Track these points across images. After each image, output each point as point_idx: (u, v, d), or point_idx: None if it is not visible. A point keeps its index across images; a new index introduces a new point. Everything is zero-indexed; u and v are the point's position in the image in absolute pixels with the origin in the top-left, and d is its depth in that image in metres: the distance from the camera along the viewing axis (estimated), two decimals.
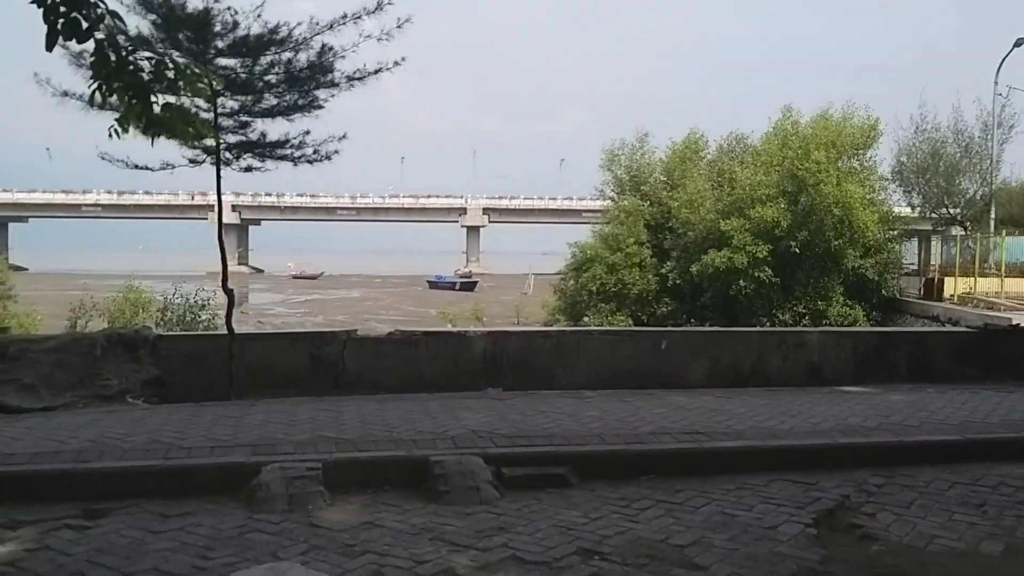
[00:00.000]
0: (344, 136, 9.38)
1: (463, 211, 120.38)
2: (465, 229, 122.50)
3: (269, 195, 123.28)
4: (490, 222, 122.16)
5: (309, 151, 9.41)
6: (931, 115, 32.57)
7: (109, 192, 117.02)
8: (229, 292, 9.35)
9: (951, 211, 30.89)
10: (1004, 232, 24.04)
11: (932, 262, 33.00)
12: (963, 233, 33.86)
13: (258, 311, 50.99)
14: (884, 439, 6.52)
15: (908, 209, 33.56)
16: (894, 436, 6.60)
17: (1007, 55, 28.81)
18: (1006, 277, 25.67)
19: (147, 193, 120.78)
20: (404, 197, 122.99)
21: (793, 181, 27.84)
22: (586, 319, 30.40)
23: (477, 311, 40.39)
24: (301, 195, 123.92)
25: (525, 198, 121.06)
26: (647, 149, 35.41)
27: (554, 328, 9.22)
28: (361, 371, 8.77)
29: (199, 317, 18.87)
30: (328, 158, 9.46)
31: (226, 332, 8.95)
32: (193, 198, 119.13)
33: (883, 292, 30.34)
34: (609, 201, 35.76)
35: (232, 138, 9.25)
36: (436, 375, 8.88)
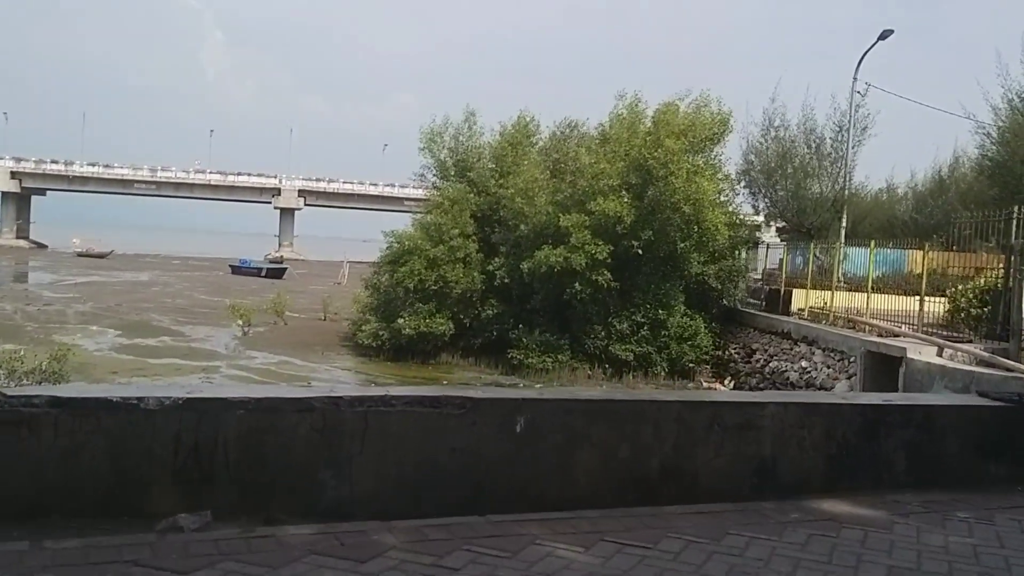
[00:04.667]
0: None
1: (277, 192, 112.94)
2: (279, 211, 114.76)
3: (56, 162, 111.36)
4: (306, 205, 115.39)
5: None
6: (781, 113, 30.47)
7: None
8: None
9: (798, 217, 28.86)
10: (873, 242, 21.73)
11: (758, 269, 31.02)
12: (780, 240, 32.11)
13: (13, 294, 43.23)
14: None
15: (753, 213, 31.38)
16: None
17: (870, 48, 26.80)
18: (855, 291, 23.43)
19: None
20: (211, 173, 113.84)
21: (640, 172, 24.75)
22: (400, 321, 26.22)
23: (278, 303, 35.14)
24: (93, 164, 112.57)
25: (344, 182, 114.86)
26: (474, 131, 31.52)
27: (320, 395, 4.75)
28: None
29: None
30: None
31: None
32: None
33: (724, 302, 28.04)
34: (432, 188, 31.67)
35: None
36: (74, 487, 4.43)
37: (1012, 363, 13.28)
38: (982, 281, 17.31)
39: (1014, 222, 15.19)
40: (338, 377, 24.09)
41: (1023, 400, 5.90)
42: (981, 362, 13.90)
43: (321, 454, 4.76)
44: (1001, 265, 16.09)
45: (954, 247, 20.93)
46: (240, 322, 31.57)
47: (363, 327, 27.93)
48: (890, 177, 40.33)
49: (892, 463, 5.76)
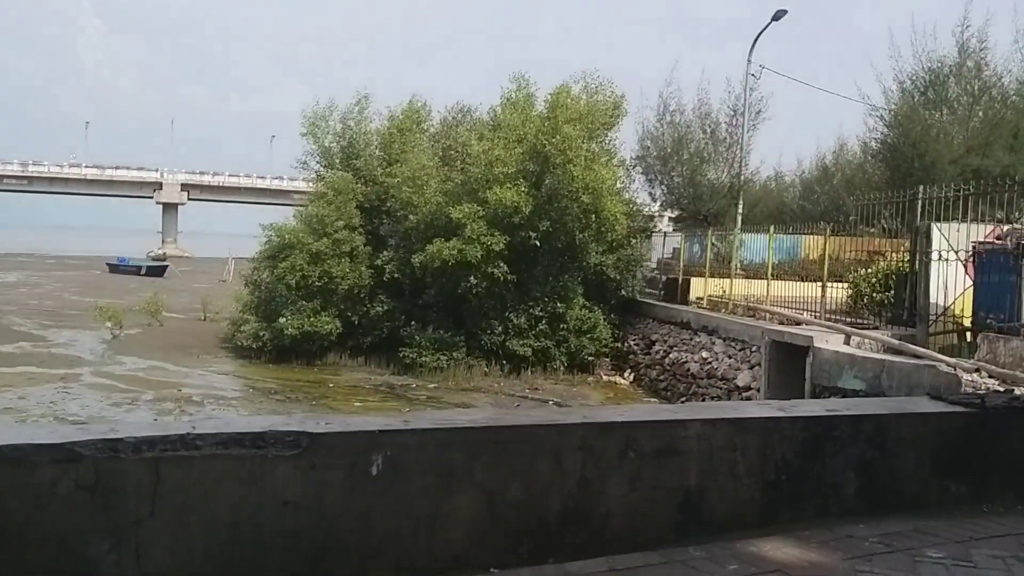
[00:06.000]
0: None
1: (159, 186, 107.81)
2: (161, 206, 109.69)
3: None
4: (190, 199, 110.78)
5: None
6: (676, 97, 29.88)
7: None
8: None
9: (695, 204, 28.36)
10: (772, 228, 21.22)
11: (653, 259, 30.48)
12: (675, 229, 31.71)
13: None
14: None
15: (650, 200, 30.80)
16: None
17: (764, 29, 26.39)
18: (753, 279, 22.95)
19: None
20: (87, 167, 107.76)
21: (537, 159, 23.70)
22: (282, 320, 24.50)
23: (153, 303, 32.62)
24: None
25: (230, 175, 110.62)
26: (365, 116, 29.92)
27: (90, 437, 3.33)
28: None
29: None
30: None
31: None
32: None
33: (622, 292, 27.31)
34: (315, 177, 29.94)
35: None
36: None
37: (921, 349, 12.76)
38: (884, 265, 16.90)
39: (919, 204, 14.73)
40: (213, 383, 22.23)
41: (985, 403, 4.97)
42: (890, 349, 13.35)
43: (94, 521, 3.39)
44: (904, 249, 15.65)
45: (843, 232, 20.62)
46: (109, 324, 29.18)
47: (242, 327, 26.06)
48: (778, 165, 40.59)
49: (840, 487, 4.75)
